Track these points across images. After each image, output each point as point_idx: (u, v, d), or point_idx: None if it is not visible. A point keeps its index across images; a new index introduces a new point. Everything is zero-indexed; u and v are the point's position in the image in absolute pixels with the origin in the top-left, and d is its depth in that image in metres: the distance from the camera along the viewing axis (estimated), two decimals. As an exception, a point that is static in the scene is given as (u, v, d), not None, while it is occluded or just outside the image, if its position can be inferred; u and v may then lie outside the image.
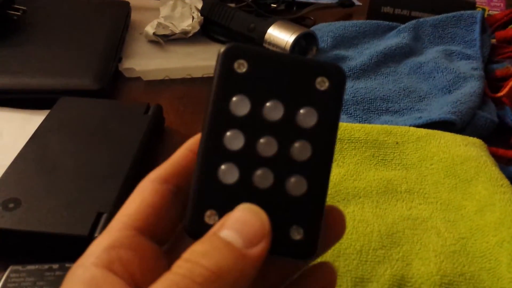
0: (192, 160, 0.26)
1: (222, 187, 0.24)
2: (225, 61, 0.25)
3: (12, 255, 0.41)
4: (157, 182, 0.26)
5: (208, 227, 0.23)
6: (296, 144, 0.24)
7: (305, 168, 0.24)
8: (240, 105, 0.24)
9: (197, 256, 0.21)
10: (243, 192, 0.24)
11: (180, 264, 0.21)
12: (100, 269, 0.22)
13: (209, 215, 0.24)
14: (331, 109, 0.25)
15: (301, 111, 0.24)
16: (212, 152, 0.24)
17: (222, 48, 0.25)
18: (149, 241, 0.24)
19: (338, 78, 0.25)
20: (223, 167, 0.24)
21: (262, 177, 0.24)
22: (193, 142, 0.27)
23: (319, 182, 0.24)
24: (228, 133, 0.24)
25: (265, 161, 0.24)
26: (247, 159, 0.24)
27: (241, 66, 0.25)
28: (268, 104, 0.24)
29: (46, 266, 0.38)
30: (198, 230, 0.23)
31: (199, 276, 0.20)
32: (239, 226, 0.22)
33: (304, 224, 0.24)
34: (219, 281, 0.21)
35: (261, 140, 0.24)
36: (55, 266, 0.38)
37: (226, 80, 0.25)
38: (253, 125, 0.24)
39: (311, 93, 0.25)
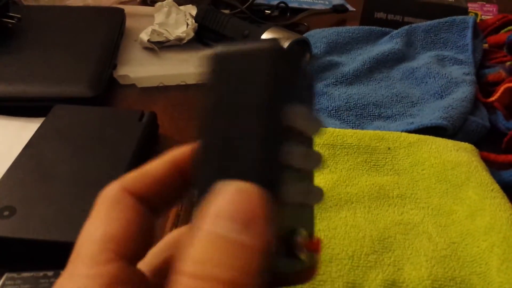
0: (175, 176, 0.23)
1: None
2: None
3: (7, 263, 0.41)
4: (138, 199, 0.23)
5: None
6: None
7: None
8: None
9: (205, 267, 0.18)
10: None
11: (187, 284, 0.17)
12: None
13: None
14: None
15: None
16: None
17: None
18: (136, 269, 0.21)
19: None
20: None
21: None
22: (176, 154, 0.24)
23: None
24: None
25: None
26: None
27: None
28: None
29: (41, 273, 0.39)
30: None
31: None
32: (232, 211, 0.19)
33: None
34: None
35: None
36: (50, 273, 0.39)
37: None
38: None
39: None
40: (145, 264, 0.24)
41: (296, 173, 0.22)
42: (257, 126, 0.21)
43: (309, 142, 0.24)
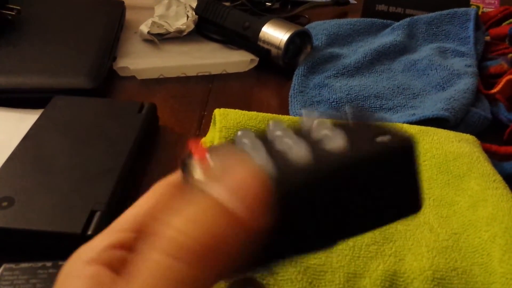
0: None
1: None
2: None
3: (6, 253, 0.41)
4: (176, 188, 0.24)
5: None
6: None
7: None
8: None
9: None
10: None
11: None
12: (100, 267, 0.21)
13: None
14: None
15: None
16: None
17: None
18: None
19: None
20: None
21: None
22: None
23: None
24: None
25: None
26: None
27: None
28: None
29: (39, 264, 0.38)
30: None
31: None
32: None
33: None
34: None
35: None
36: (48, 264, 0.38)
37: None
38: None
39: None
40: None
41: None
42: None
43: None
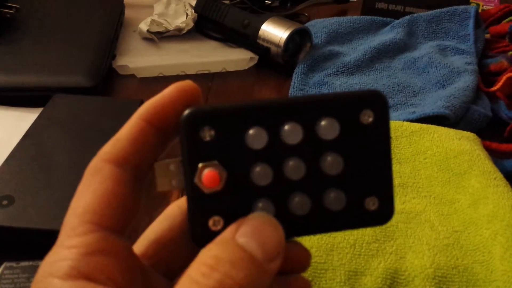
0: (149, 132, 0.23)
1: None
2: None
3: (6, 252, 0.41)
4: (116, 166, 0.22)
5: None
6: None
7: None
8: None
9: (225, 265, 0.20)
10: None
11: (205, 272, 0.20)
12: (82, 281, 0.20)
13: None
14: None
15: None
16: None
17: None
18: (119, 238, 0.22)
19: None
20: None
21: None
22: (145, 109, 0.23)
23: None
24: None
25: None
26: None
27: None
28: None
29: (39, 263, 0.38)
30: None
31: None
32: (258, 236, 0.21)
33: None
34: None
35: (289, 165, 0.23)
36: (49, 262, 0.38)
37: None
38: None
39: None
40: (144, 237, 0.25)
41: None
42: None
43: None
